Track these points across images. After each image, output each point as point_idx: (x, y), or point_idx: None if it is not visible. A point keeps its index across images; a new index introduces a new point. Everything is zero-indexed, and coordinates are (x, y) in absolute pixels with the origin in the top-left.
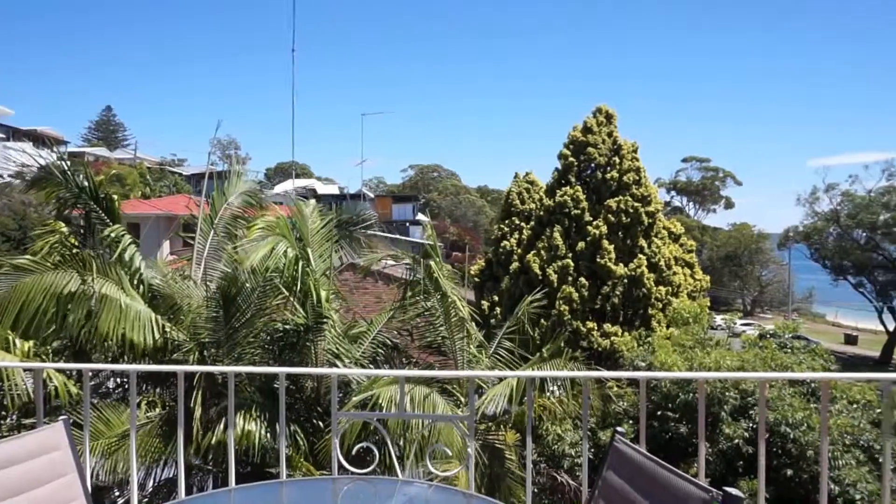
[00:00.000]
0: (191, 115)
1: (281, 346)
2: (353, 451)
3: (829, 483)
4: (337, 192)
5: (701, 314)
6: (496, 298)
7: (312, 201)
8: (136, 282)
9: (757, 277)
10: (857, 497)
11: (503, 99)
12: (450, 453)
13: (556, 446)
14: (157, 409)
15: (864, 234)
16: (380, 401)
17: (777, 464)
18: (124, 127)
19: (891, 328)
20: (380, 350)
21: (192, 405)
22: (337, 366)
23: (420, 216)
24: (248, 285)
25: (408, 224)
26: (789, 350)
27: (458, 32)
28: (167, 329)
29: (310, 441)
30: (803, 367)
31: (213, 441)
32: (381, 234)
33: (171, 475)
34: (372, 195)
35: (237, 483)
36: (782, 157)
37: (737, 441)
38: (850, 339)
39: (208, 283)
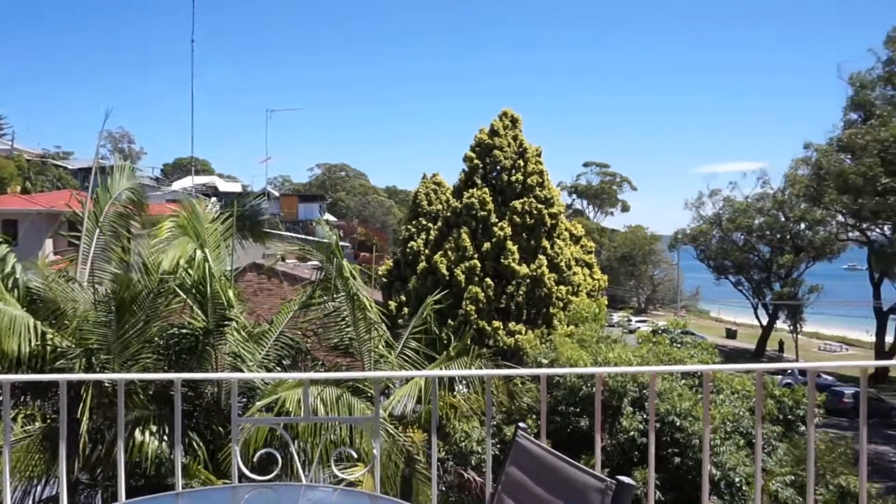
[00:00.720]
0: (80, 106)
1: (178, 351)
2: (257, 458)
3: (712, 468)
4: (240, 189)
5: (599, 313)
6: (404, 299)
7: (213, 199)
8: (9, 284)
9: (650, 277)
10: (736, 479)
11: (411, 100)
12: (355, 455)
13: (463, 444)
14: (38, 423)
15: (742, 236)
16: (286, 405)
17: (667, 453)
18: None
19: (765, 323)
20: (286, 352)
21: (78, 416)
22: (240, 370)
23: (327, 216)
24: (143, 287)
25: (314, 224)
26: (680, 345)
27: (369, 32)
28: (48, 335)
29: (211, 449)
30: (693, 361)
31: (101, 454)
32: (286, 233)
33: (53, 493)
34: (277, 194)
35: (128, 497)
36: (673, 164)
37: (633, 433)
38: (731, 334)
39: (96, 285)
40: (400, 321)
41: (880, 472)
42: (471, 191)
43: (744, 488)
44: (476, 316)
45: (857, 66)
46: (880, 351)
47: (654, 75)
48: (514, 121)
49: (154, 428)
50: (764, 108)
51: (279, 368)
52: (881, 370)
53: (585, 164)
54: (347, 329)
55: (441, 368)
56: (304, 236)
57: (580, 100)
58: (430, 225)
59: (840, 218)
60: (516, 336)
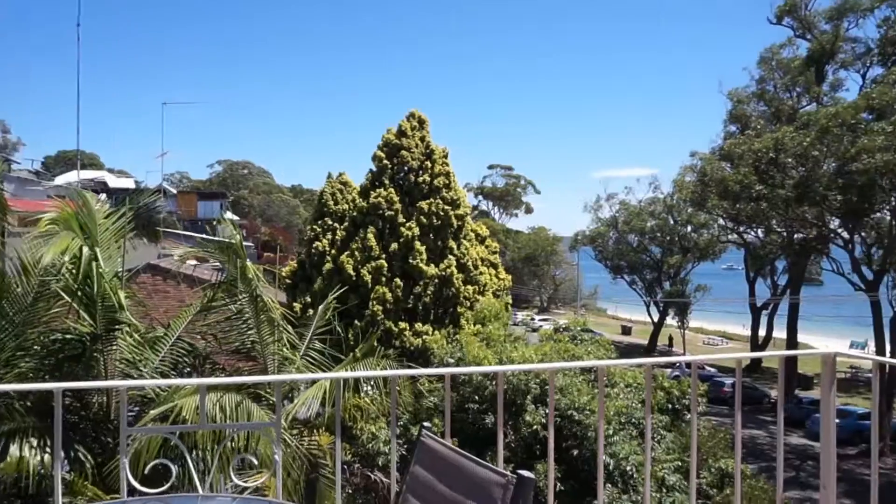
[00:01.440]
0: None
1: (61, 359)
2: (150, 469)
3: (607, 458)
4: (132, 185)
5: (501, 312)
6: (309, 300)
7: (102, 196)
8: None
9: (552, 277)
10: (628, 468)
11: (317, 99)
12: (256, 462)
13: (370, 445)
14: None
15: (636, 238)
16: (183, 412)
17: (566, 445)
18: None
19: (656, 319)
20: (184, 358)
21: None
22: (133, 377)
23: (229, 214)
24: (18, 289)
25: (216, 222)
26: (579, 342)
27: (274, 28)
28: None
29: (99, 463)
30: (591, 357)
31: None
32: (185, 232)
33: None
34: (174, 191)
35: None
36: (574, 168)
37: (536, 427)
38: (626, 330)
39: None
40: (305, 323)
41: (754, 453)
42: (378, 190)
43: (635, 476)
44: (383, 317)
45: (736, 82)
46: (754, 343)
47: (557, 81)
48: (422, 122)
49: (35, 441)
50: (657, 118)
51: (175, 375)
52: (755, 361)
53: (490, 167)
54: (250, 332)
55: (347, 370)
56: (204, 235)
57: (485, 103)
58: (336, 225)
59: (721, 222)
60: (423, 336)
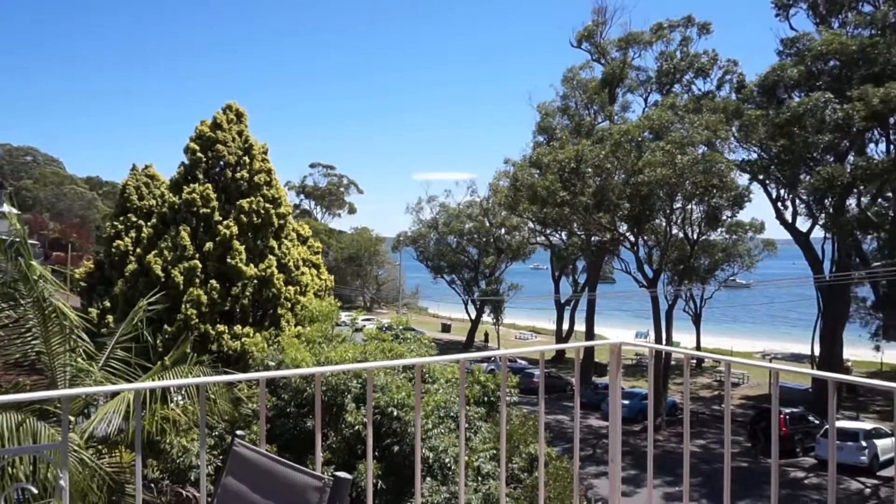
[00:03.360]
0: None
1: None
2: None
3: (427, 451)
4: None
5: (329, 312)
6: (108, 304)
7: None
8: None
9: (375, 277)
10: (447, 460)
11: (120, 81)
12: (35, 491)
13: (181, 459)
14: None
15: (455, 239)
16: None
17: (388, 443)
18: None
19: (473, 317)
20: None
21: None
22: None
23: (6, 207)
24: None
25: None
26: (402, 340)
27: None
28: None
29: None
30: (412, 354)
31: None
32: None
33: None
34: None
35: None
36: (396, 169)
37: (357, 427)
38: (446, 328)
39: None
40: (105, 330)
41: (560, 437)
42: (192, 186)
43: (453, 467)
44: (198, 320)
45: (545, 96)
46: (559, 336)
47: (381, 84)
48: (240, 115)
49: None
50: (476, 125)
51: None
52: (559, 352)
53: (312, 165)
54: (35, 342)
55: (154, 379)
56: None
57: (308, 102)
58: (141, 222)
59: (531, 225)
60: (243, 339)
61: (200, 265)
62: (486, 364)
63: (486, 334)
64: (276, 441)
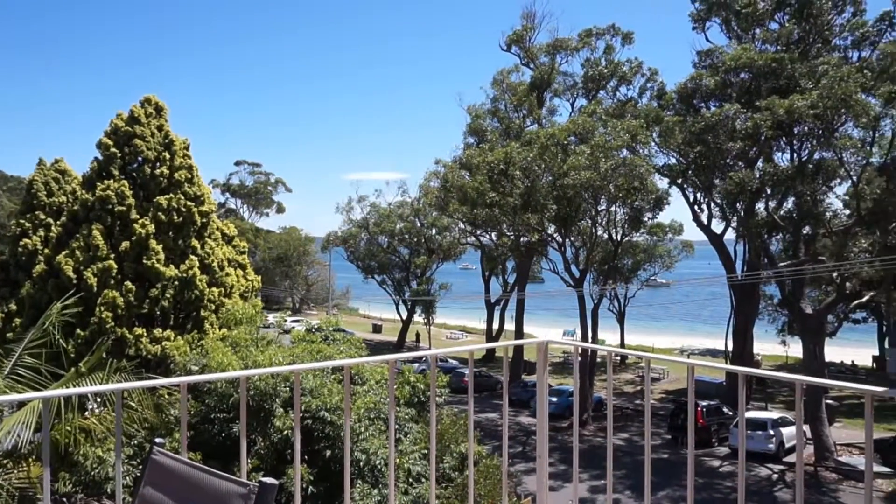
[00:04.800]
0: None
1: None
2: None
3: (359, 454)
4: None
5: (255, 314)
6: (14, 308)
7: None
8: None
9: (304, 277)
10: (377, 462)
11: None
12: None
13: (96, 471)
14: None
15: (386, 239)
16: None
17: (319, 447)
18: None
19: (405, 317)
20: None
21: None
22: None
23: None
24: None
25: None
26: (332, 342)
27: None
28: None
29: None
30: (342, 356)
31: None
32: None
33: None
34: None
35: None
36: (326, 169)
37: (286, 432)
38: (377, 328)
39: None
40: (10, 335)
41: (491, 435)
42: (106, 182)
43: (384, 469)
44: (114, 324)
45: (476, 97)
46: (489, 335)
47: (306, 79)
48: (159, 109)
49: None
50: (407, 125)
51: None
52: (490, 351)
53: (237, 163)
54: None
55: (68, 387)
56: None
57: (233, 99)
58: (50, 220)
59: (461, 225)
60: (163, 343)
61: (116, 266)
62: (416, 364)
63: (418, 334)
64: (202, 448)
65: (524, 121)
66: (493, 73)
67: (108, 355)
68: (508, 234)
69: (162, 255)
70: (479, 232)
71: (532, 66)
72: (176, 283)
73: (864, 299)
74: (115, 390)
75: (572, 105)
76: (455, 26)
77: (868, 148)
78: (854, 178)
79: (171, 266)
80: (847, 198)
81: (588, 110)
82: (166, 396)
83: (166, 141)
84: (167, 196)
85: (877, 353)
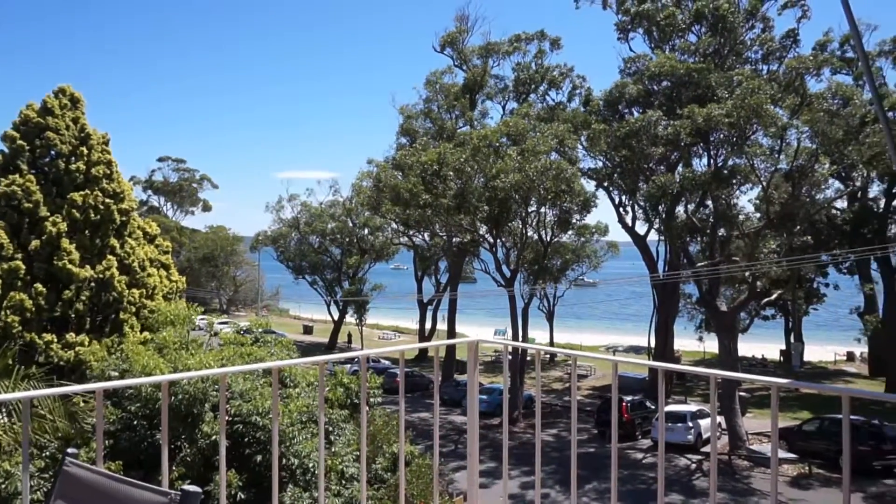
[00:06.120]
0: None
1: None
2: None
3: (291, 458)
4: None
5: (185, 316)
6: None
7: None
8: None
9: (232, 277)
10: (311, 465)
11: None
12: None
13: (3, 486)
14: None
15: (318, 239)
16: None
17: (250, 452)
18: None
19: (336, 318)
20: None
21: None
22: None
23: None
24: None
25: None
26: (262, 344)
27: None
28: None
29: None
30: (273, 358)
31: None
32: None
33: None
34: None
35: None
36: (255, 166)
37: (214, 437)
38: (308, 330)
39: None
40: None
41: (423, 434)
42: (12, 177)
43: (317, 472)
44: (22, 328)
45: (408, 98)
46: (422, 335)
47: (233, 74)
48: (75, 101)
49: None
50: (339, 124)
51: None
52: (422, 351)
53: (161, 159)
54: None
55: None
56: None
57: (156, 93)
58: None
59: (394, 225)
60: (77, 349)
61: (24, 266)
62: (349, 365)
63: (350, 335)
64: (123, 457)
65: (457, 122)
66: (426, 74)
67: (14, 362)
68: (441, 234)
69: (76, 255)
70: (411, 232)
71: (465, 68)
72: (92, 284)
73: (773, 297)
74: (23, 398)
75: (503, 108)
76: (389, 25)
77: (776, 155)
78: (764, 183)
79: (87, 267)
80: (758, 202)
81: (520, 112)
82: (82, 404)
83: (83, 134)
84: (83, 192)
85: (784, 347)
